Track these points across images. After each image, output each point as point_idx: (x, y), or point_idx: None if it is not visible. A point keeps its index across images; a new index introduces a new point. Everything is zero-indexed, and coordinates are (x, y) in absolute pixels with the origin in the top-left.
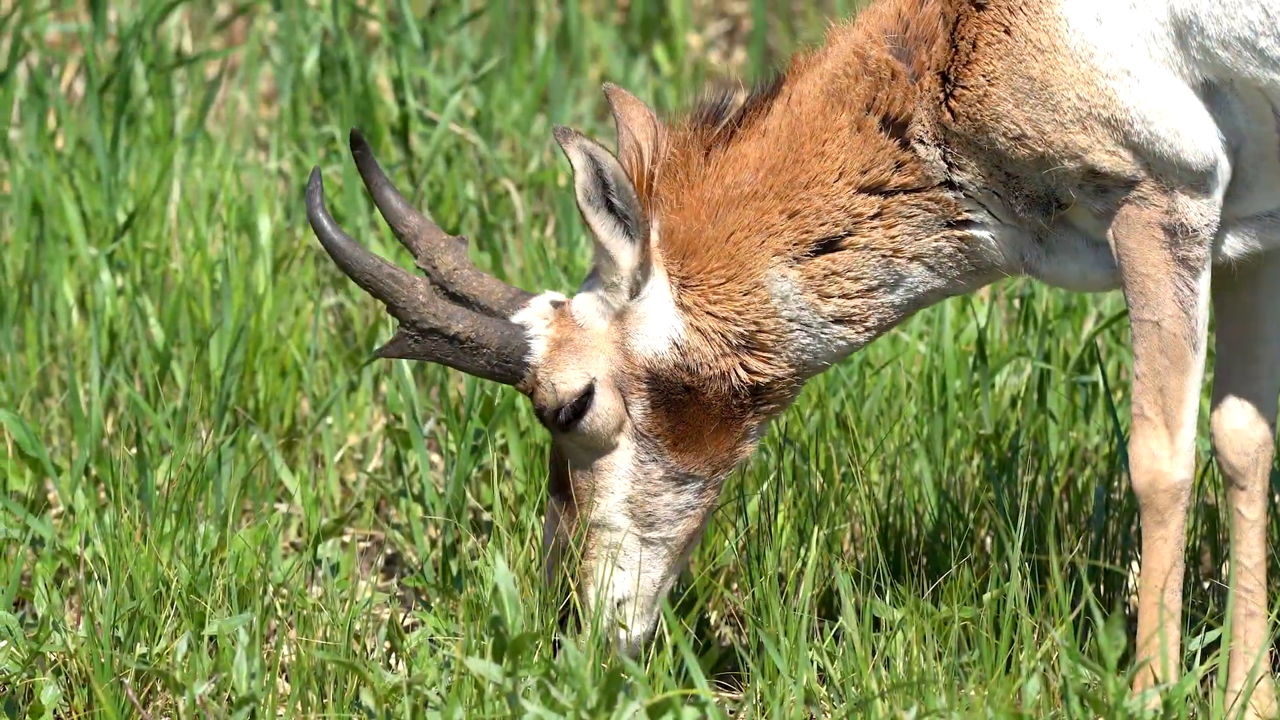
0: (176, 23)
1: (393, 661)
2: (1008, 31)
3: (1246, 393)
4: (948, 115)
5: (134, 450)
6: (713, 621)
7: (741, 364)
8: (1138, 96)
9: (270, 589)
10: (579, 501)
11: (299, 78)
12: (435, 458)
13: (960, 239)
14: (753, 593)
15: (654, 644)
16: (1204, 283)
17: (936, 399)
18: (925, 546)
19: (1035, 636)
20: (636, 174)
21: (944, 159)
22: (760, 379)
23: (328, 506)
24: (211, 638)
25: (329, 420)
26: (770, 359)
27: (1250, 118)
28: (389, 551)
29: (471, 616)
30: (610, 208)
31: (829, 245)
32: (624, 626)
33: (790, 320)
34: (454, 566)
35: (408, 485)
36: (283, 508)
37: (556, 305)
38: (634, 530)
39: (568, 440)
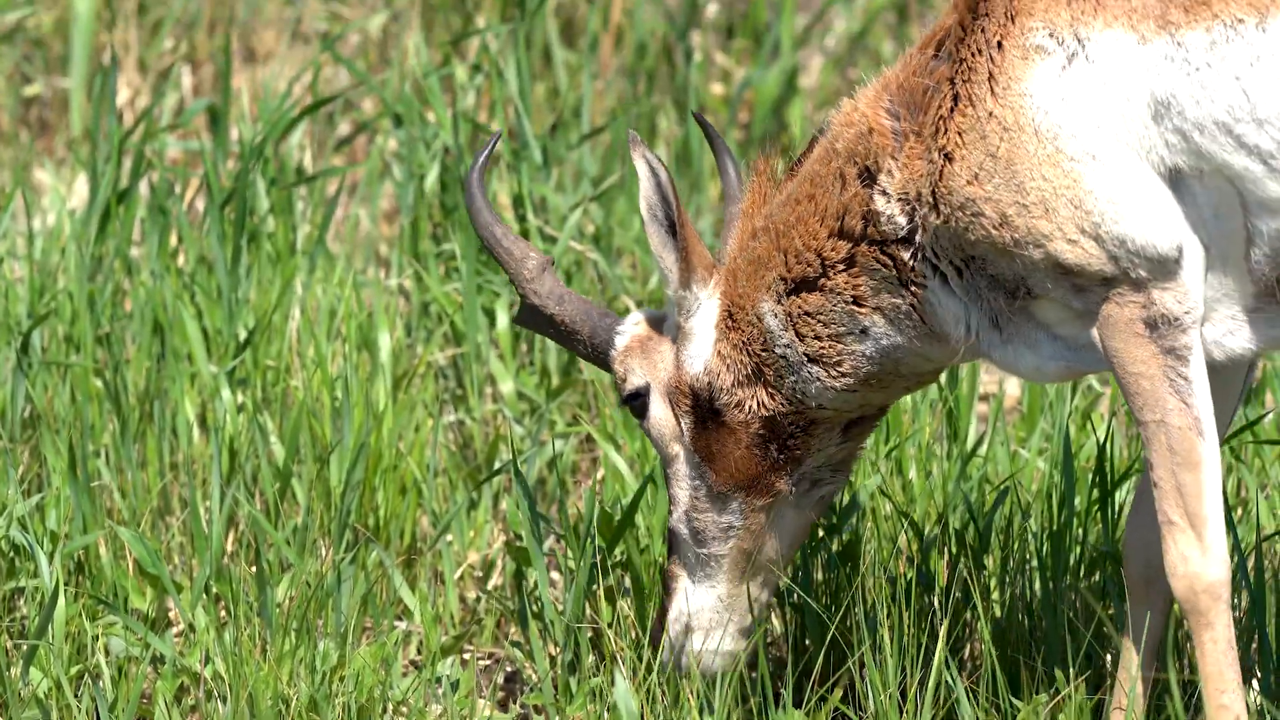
0: (298, 140)
1: None
2: (973, 106)
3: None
4: (924, 182)
5: (254, 568)
6: None
7: (754, 396)
8: (1103, 181)
9: (390, 707)
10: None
11: (420, 195)
12: (555, 575)
13: (916, 300)
14: (874, 708)
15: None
16: (1197, 370)
17: (1057, 516)
18: (1044, 663)
19: None
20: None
21: (909, 218)
22: (765, 412)
23: (447, 624)
24: None
25: (449, 537)
26: (773, 393)
27: (1218, 211)
28: (509, 669)
29: None
30: (670, 224)
31: (805, 285)
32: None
33: (780, 356)
34: (573, 685)
35: (527, 603)
36: (402, 625)
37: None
38: (691, 544)
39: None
